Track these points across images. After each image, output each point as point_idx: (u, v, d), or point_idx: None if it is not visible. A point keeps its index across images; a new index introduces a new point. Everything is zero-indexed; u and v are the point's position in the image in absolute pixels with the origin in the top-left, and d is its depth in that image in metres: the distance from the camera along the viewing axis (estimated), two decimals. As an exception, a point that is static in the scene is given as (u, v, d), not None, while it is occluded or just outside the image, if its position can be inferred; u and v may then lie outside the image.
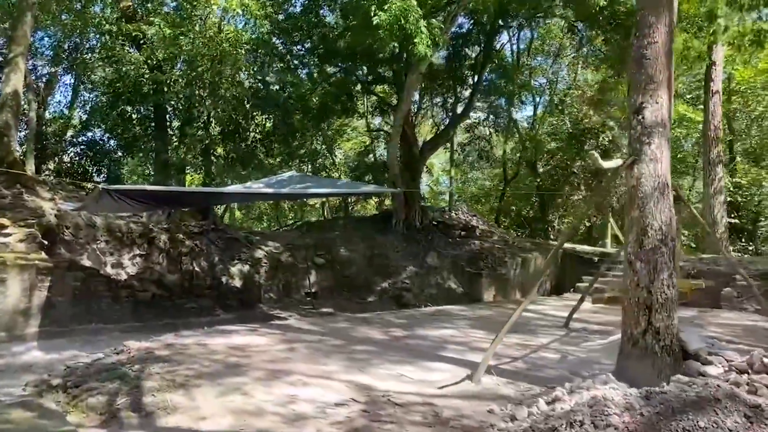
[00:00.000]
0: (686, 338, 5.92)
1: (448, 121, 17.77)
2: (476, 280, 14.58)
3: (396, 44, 10.33)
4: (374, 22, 9.72)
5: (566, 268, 16.07)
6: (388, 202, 23.40)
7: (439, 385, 6.13)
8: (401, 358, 7.17)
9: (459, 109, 17.56)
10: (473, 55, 17.17)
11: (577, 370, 6.87)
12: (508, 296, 14.90)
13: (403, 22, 9.51)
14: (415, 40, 10.03)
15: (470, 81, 17.21)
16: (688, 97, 23.38)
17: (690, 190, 24.49)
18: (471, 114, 19.40)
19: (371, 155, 19.77)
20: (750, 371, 5.23)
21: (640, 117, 5.83)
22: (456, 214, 17.24)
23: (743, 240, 22.38)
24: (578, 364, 7.26)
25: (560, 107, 24.03)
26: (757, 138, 24.04)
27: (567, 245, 17.78)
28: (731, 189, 21.00)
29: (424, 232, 16.06)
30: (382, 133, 21.56)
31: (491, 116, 20.77)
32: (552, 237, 23.96)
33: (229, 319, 10.74)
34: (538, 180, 23.51)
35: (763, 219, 22.10)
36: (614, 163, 5.98)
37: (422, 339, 8.47)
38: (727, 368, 5.48)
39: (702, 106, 20.02)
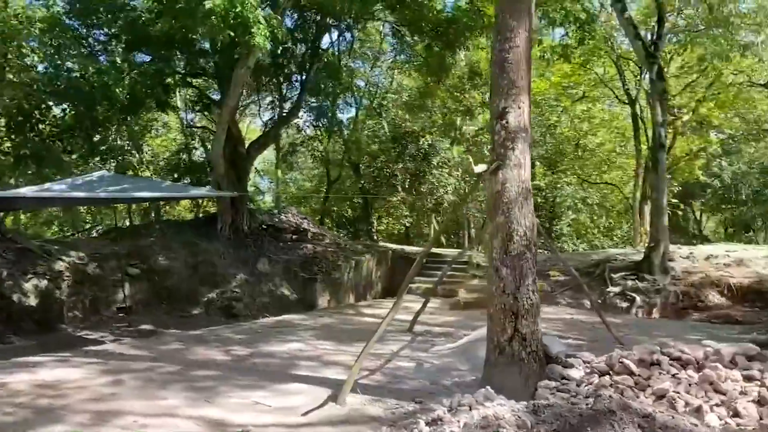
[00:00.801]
0: (547, 342, 6.01)
1: (275, 120, 16.99)
2: (310, 286, 14.07)
3: (230, 33, 9.39)
4: (206, 7, 8.73)
5: (396, 269, 16.23)
6: (208, 204, 21.96)
7: (302, 411, 5.53)
8: (252, 382, 6.42)
9: (286, 108, 16.89)
10: (300, 53, 16.62)
11: (437, 380, 6.72)
12: (342, 301, 14.61)
13: (239, 9, 8.67)
14: (253, 31, 9.23)
15: (298, 79, 16.63)
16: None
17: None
18: (300, 114, 18.85)
19: (187, 154, 18.21)
20: (611, 372, 5.39)
21: (504, 122, 5.78)
22: (286, 217, 16.54)
23: (542, 238, 24.67)
24: (436, 372, 7.11)
25: (378, 110, 24.45)
26: (551, 145, 26.62)
27: (396, 246, 18.04)
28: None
29: (253, 237, 15.14)
30: (199, 130, 20.08)
31: (318, 117, 20.35)
32: (375, 238, 24.32)
33: (27, 347, 8.97)
34: (362, 182, 23.67)
35: (558, 220, 24.47)
36: (483, 167, 5.86)
37: (270, 357, 7.75)
38: (588, 370, 5.62)
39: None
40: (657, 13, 13.88)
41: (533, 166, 25.32)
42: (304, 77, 16.22)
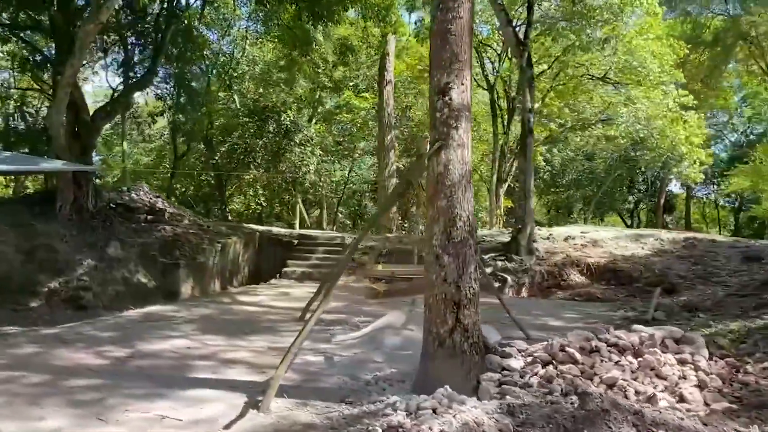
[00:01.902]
0: (485, 332, 5.77)
1: (124, 85, 15.04)
2: (172, 272, 12.69)
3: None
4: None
5: (264, 252, 15.35)
6: (33, 178, 19.13)
7: (221, 423, 4.74)
8: (147, 391, 5.43)
9: (139, 73, 15.03)
10: (155, 12, 14.87)
11: (355, 374, 6.21)
12: (207, 288, 13.42)
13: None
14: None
15: (152, 41, 14.84)
16: (350, 84, 24.77)
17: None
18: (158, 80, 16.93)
19: (22, 119, 15.58)
20: (554, 361, 5.27)
21: (446, 98, 5.36)
22: (137, 196, 14.80)
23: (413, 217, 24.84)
24: (350, 365, 6.59)
25: (229, 82, 22.96)
26: (406, 128, 26.92)
27: (262, 228, 17.06)
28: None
29: (101, 218, 13.31)
30: (27, 92, 17.28)
31: (175, 85, 18.45)
32: (230, 218, 22.97)
33: None
34: (216, 158, 22.15)
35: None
36: (424, 153, 5.40)
37: (155, 357, 6.69)
38: (529, 360, 5.46)
39: (371, 94, 21.52)
40: (527, 1, 14.36)
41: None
42: (159, 39, 14.51)
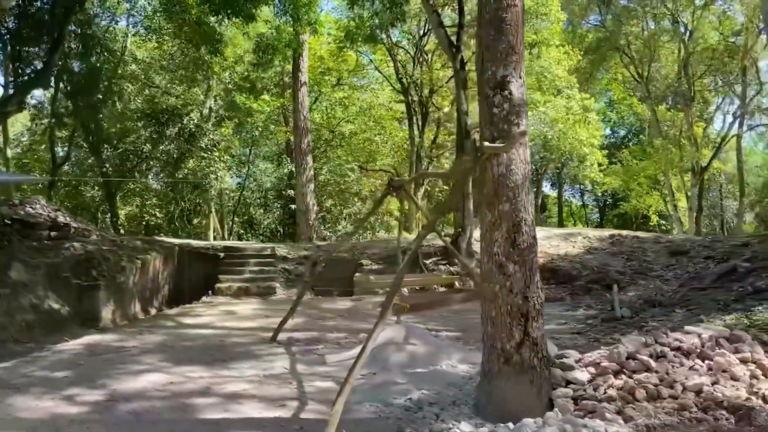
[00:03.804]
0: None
1: (15, 84, 13.00)
2: (90, 295, 11.03)
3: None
4: None
5: (184, 268, 13.95)
6: None
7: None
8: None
9: (38, 68, 13.08)
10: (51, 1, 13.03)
11: (385, 399, 5.56)
12: (127, 311, 11.88)
13: None
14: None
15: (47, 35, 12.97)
16: (259, 87, 23.63)
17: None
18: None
19: None
20: (626, 370, 5.01)
21: (506, 93, 4.93)
22: (34, 209, 12.81)
23: (329, 223, 24.01)
24: (373, 391, 5.90)
25: (116, 83, 20.90)
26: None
27: (181, 241, 15.57)
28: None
29: (-5, 235, 11.36)
30: None
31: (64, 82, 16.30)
32: (121, 229, 20.87)
33: None
34: (106, 165, 19.99)
35: (345, 207, 24.17)
36: (497, 146, 4.89)
37: (142, 398, 5.58)
38: (594, 371, 5.15)
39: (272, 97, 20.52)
40: (458, 3, 14.31)
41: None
42: (58, 33, 12.72)
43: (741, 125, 29.86)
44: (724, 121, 34.81)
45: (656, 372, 4.92)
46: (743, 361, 5.08)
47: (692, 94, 30.22)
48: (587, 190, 41.13)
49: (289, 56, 17.89)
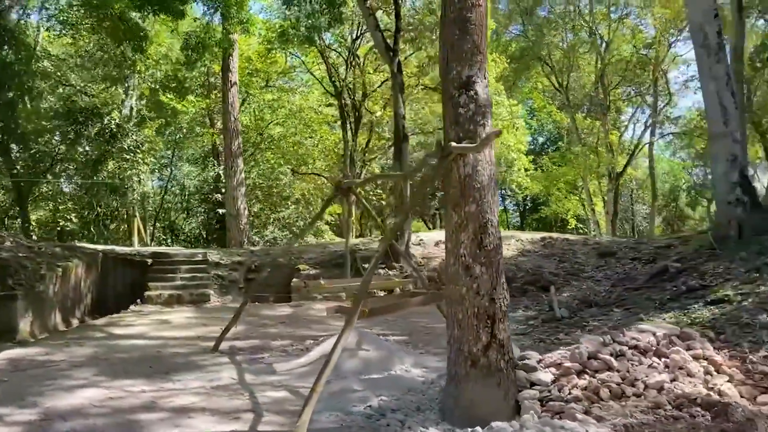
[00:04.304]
0: (507, 345, 5.35)
1: None
2: (7, 306, 10.13)
3: None
4: None
5: (109, 276, 13.14)
6: None
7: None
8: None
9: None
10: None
11: (345, 407, 5.39)
12: (47, 322, 11.03)
13: None
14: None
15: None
16: (186, 86, 22.68)
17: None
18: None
19: None
20: (589, 370, 5.06)
21: (471, 93, 4.89)
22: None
23: (257, 228, 23.29)
24: (330, 399, 5.70)
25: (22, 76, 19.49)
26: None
27: (104, 247, 14.68)
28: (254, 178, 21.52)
29: None
30: None
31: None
32: (33, 234, 19.47)
33: None
34: (16, 166, 18.57)
35: (281, 209, 23.52)
36: (467, 146, 4.81)
37: (81, 416, 5.11)
38: (558, 372, 5.17)
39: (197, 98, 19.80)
40: (395, 7, 14.29)
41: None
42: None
43: (652, 134, 31.60)
44: (634, 130, 36.72)
45: (618, 371, 5.00)
46: (696, 358, 5.24)
47: (608, 103, 31.73)
48: (508, 195, 42.36)
49: (219, 55, 17.31)
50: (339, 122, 21.51)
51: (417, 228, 40.82)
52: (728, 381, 4.92)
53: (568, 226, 37.52)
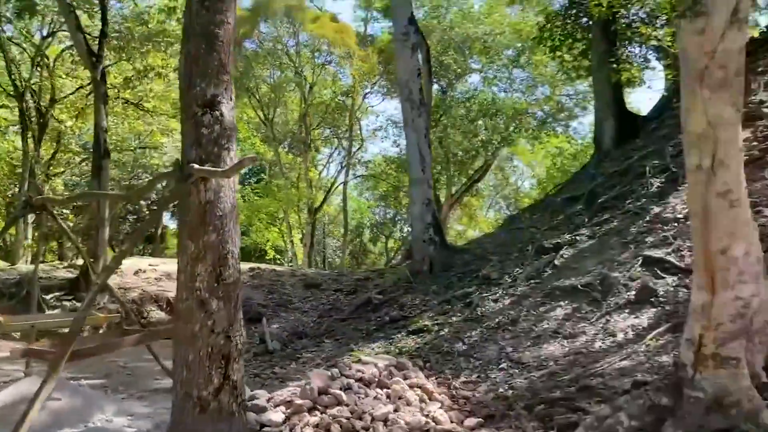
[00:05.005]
0: (238, 386, 4.98)
1: None
2: None
3: None
4: None
5: None
6: None
7: None
8: None
9: None
10: None
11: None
12: None
13: None
14: None
15: None
16: None
17: None
18: None
19: None
20: (320, 406, 5.02)
21: (217, 113, 4.56)
22: None
23: None
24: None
25: None
26: None
27: None
28: None
29: None
30: None
31: None
32: None
33: None
34: None
35: None
36: (213, 170, 4.33)
37: None
38: (290, 411, 5.01)
39: None
40: (101, 11, 12.76)
41: None
42: None
43: (347, 174, 34.28)
44: (328, 170, 39.35)
45: (347, 405, 5.07)
46: (411, 387, 5.63)
47: (309, 141, 33.49)
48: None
49: None
50: (18, 127, 18.34)
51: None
52: (440, 407, 5.37)
53: (266, 257, 38.14)
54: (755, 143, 8.61)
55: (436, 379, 6.06)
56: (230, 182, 4.59)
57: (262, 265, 16.47)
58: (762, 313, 4.16)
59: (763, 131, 8.84)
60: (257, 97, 31.78)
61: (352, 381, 5.37)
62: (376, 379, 5.51)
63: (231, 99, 4.69)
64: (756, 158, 8.18)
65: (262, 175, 40.41)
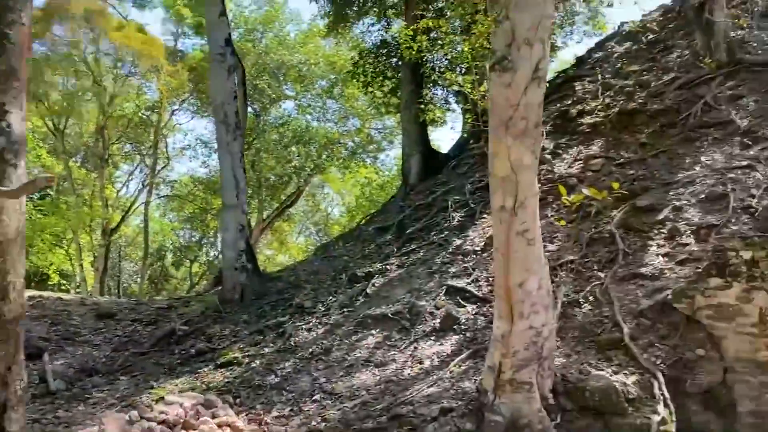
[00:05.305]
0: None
1: None
2: None
3: None
4: None
5: None
6: None
7: None
8: None
9: None
10: None
11: None
12: None
13: None
14: None
15: None
16: None
17: None
18: None
19: None
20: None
21: (4, 125, 3.99)
22: None
23: None
24: None
25: None
26: None
27: None
28: None
29: None
30: None
31: None
32: None
33: None
34: None
35: None
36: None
37: None
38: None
39: None
40: None
41: None
42: None
43: (150, 193, 32.11)
44: (128, 188, 36.55)
45: (148, 450, 4.63)
46: (220, 426, 5.34)
47: (107, 156, 30.84)
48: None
49: None
50: None
51: None
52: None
53: (49, 282, 34.04)
54: (539, 185, 9.71)
55: (247, 415, 5.82)
56: (18, 204, 4.01)
57: (45, 293, 14.62)
58: (550, 340, 4.64)
59: (546, 174, 10.02)
60: (46, 104, 28.60)
61: (153, 424, 4.95)
62: (182, 421, 5.13)
63: (22, 109, 4.12)
64: (539, 198, 9.22)
65: (48, 190, 36.26)
